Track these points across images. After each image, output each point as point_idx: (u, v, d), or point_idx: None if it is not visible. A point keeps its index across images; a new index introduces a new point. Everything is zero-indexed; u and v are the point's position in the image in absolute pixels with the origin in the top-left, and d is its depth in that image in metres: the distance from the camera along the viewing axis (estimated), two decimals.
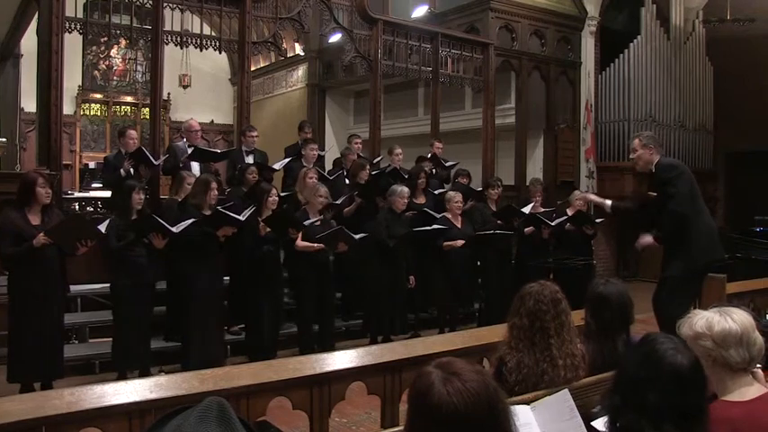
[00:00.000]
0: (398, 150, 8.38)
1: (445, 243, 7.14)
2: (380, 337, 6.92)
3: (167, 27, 7.71)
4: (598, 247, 9.44)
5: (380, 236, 6.83)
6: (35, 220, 5.05)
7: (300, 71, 14.38)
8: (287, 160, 7.76)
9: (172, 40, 7.75)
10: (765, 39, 11.82)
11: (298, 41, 14.10)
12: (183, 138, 7.84)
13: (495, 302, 7.42)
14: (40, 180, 5.06)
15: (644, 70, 11.60)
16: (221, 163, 7.97)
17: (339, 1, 9.08)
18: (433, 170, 8.57)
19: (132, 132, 7.20)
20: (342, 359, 3.38)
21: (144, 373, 5.46)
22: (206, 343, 5.71)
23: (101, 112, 15.12)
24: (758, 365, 2.15)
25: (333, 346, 6.33)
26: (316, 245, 6.21)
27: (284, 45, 10.47)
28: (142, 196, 5.68)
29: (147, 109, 11.84)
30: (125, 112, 15.37)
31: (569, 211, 7.91)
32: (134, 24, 7.57)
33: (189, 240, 5.57)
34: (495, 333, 3.33)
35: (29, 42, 8.82)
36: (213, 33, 8.29)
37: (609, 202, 5.59)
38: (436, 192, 8.12)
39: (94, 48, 15.04)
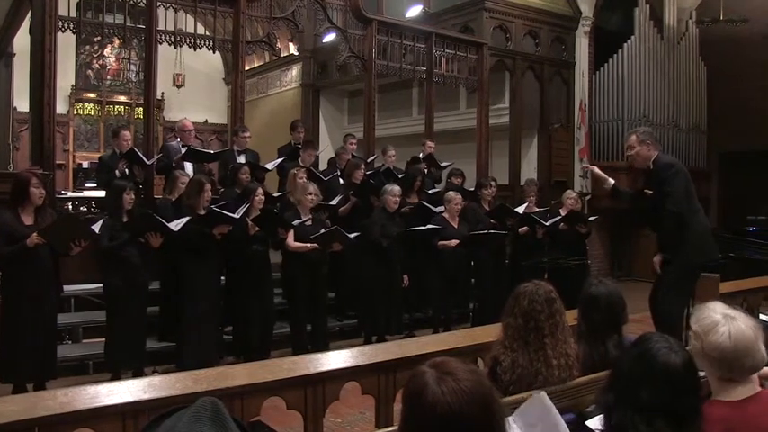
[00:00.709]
0: (392, 152, 8.38)
1: (439, 243, 7.14)
2: (375, 337, 6.92)
3: (161, 26, 7.68)
4: (592, 247, 9.47)
5: (374, 235, 6.83)
6: (28, 219, 5.03)
7: (294, 71, 14.37)
8: (279, 160, 7.75)
9: (166, 39, 7.73)
10: (758, 39, 11.86)
11: (292, 41, 14.08)
12: (176, 137, 7.83)
13: (489, 302, 7.41)
14: (33, 180, 5.04)
15: (638, 70, 11.63)
16: (215, 163, 7.96)
17: (333, 1, 9.07)
18: (426, 170, 8.58)
19: (126, 133, 7.19)
20: (336, 359, 3.38)
21: (138, 374, 5.45)
22: (202, 343, 5.70)
23: (94, 112, 15.08)
24: None
25: (327, 345, 6.33)
26: (310, 245, 6.21)
27: (278, 45, 10.44)
28: (133, 196, 5.67)
29: (141, 108, 11.83)
30: (119, 111, 15.32)
31: (562, 211, 7.93)
32: (128, 24, 7.54)
33: (187, 240, 5.55)
34: (490, 333, 3.34)
35: (21, 41, 8.77)
36: (207, 33, 8.28)
37: (612, 180, 5.53)
38: (430, 192, 8.12)
39: (88, 47, 14.99)
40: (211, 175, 7.33)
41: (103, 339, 5.67)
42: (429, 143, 8.90)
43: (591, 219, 8.03)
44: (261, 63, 15.23)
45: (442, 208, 7.52)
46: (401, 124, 12.65)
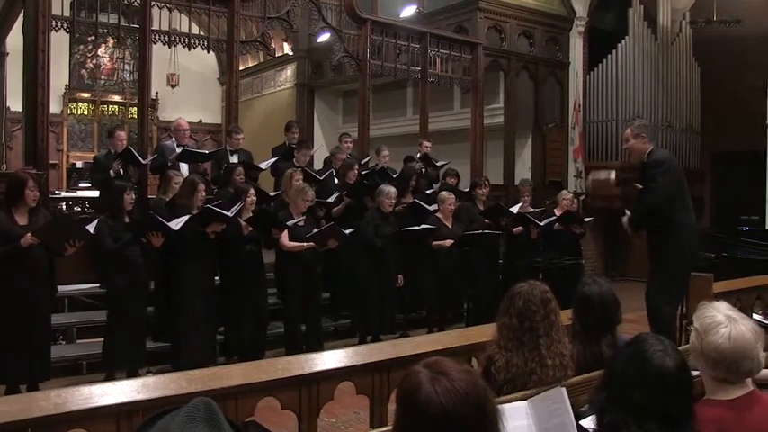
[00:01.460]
0: (386, 152, 8.39)
1: (434, 243, 7.15)
2: (369, 337, 6.92)
3: (155, 26, 7.67)
4: (586, 247, 9.47)
5: (368, 236, 6.83)
6: (22, 220, 5.01)
7: (289, 71, 14.36)
8: (273, 160, 7.73)
9: (160, 39, 7.72)
10: (751, 39, 11.91)
11: (286, 41, 14.08)
12: (171, 137, 7.81)
13: (484, 302, 7.43)
14: (30, 183, 5.02)
15: (632, 70, 11.67)
16: (209, 163, 7.94)
17: (328, 0, 9.07)
18: (424, 170, 8.59)
19: (121, 134, 7.19)
20: (330, 359, 3.38)
21: (132, 374, 5.44)
22: (200, 344, 5.69)
23: (88, 112, 15.03)
24: None
25: (321, 346, 6.33)
26: (306, 244, 6.20)
27: (273, 44, 10.44)
28: (133, 197, 5.68)
29: (135, 108, 11.77)
30: (113, 111, 15.28)
31: (557, 211, 7.94)
32: (122, 23, 7.52)
33: (182, 239, 5.55)
34: (484, 333, 3.34)
35: (15, 40, 8.73)
36: (201, 32, 8.28)
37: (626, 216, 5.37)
38: (428, 192, 8.12)
39: (82, 47, 14.94)
40: (206, 175, 7.32)
41: (98, 340, 5.65)
42: (426, 143, 8.91)
43: (586, 219, 8.05)
44: (255, 63, 15.22)
45: (436, 207, 7.52)
46: (396, 124, 12.66)
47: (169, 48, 8.24)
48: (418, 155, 8.72)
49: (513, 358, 2.69)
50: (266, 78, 15.10)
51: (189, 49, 8.21)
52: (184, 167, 7.18)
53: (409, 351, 3.46)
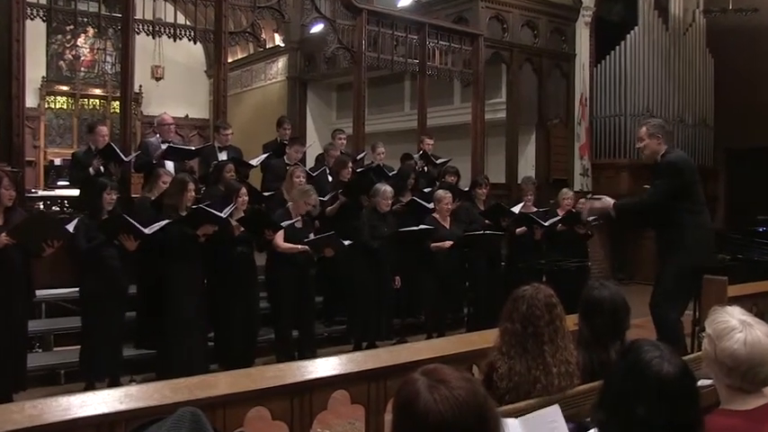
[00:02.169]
0: (381, 149, 8.40)
1: (433, 244, 7.16)
2: (365, 344, 6.93)
3: (138, 15, 7.66)
4: (593, 249, 9.48)
5: (364, 237, 6.84)
6: None
7: (280, 63, 14.36)
8: (264, 156, 7.74)
9: (143, 29, 7.71)
10: None
11: (277, 32, 14.07)
12: (155, 133, 7.80)
13: (485, 306, 7.43)
14: (5, 181, 5.00)
15: (641, 63, 11.69)
16: (196, 160, 7.93)
17: None
18: (424, 168, 8.59)
19: (103, 128, 7.15)
20: (324, 366, 3.38)
21: (114, 383, 5.42)
22: (188, 350, 5.68)
23: (67, 106, 15.00)
24: None
25: (314, 352, 6.33)
26: (300, 246, 6.21)
27: (263, 35, 10.43)
28: (114, 195, 5.64)
29: (118, 102, 11.73)
30: (93, 105, 15.26)
31: (559, 211, 7.94)
32: (102, 12, 7.51)
33: (169, 242, 5.54)
34: (485, 339, 3.34)
35: None
36: (188, 22, 8.28)
37: (609, 200, 5.37)
38: (426, 190, 8.12)
39: (60, 36, 14.90)
40: (193, 173, 7.32)
41: (77, 347, 5.64)
42: (428, 140, 8.90)
43: (590, 219, 8.03)
44: (245, 55, 15.21)
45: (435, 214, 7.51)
46: (392, 119, 12.68)
47: (153, 38, 8.24)
48: (419, 152, 8.72)
49: (516, 366, 2.69)
50: (256, 71, 15.09)
51: (174, 40, 8.20)
52: (170, 166, 7.16)
53: (407, 358, 3.46)
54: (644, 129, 5.20)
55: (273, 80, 14.58)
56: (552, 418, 2.36)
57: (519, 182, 9.55)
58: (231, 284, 6.07)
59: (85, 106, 15.16)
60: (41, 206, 8.81)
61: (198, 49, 14.61)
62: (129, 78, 7.79)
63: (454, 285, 7.49)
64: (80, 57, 15.39)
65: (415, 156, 8.66)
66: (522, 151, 11.41)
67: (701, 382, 2.55)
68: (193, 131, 16.35)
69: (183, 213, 5.75)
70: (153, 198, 6.27)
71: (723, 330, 2.05)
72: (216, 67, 8.58)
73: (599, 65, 11.99)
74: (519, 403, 2.57)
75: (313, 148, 9.90)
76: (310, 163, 8.86)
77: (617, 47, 11.81)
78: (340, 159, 7.78)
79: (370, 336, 6.98)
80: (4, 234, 4.86)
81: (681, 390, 1.84)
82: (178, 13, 8.15)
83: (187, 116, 16.11)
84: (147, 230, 5.40)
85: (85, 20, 7.49)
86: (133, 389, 3.05)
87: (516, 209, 7.76)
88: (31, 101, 11.98)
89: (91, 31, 14.30)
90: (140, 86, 14.52)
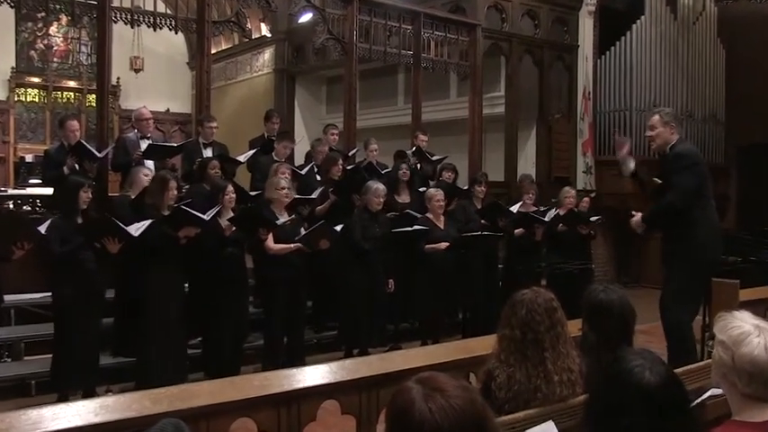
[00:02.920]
0: (374, 145, 8.39)
1: (427, 246, 7.16)
2: (356, 350, 6.92)
3: (116, 2, 7.64)
4: (596, 250, 9.51)
5: (355, 238, 6.83)
6: None
7: (267, 54, 14.34)
8: (252, 152, 7.71)
9: (121, 17, 7.68)
10: None
11: (264, 21, 14.05)
12: (134, 128, 7.77)
13: (482, 311, 7.45)
14: None
15: (648, 54, 11.69)
16: (179, 156, 7.90)
17: None
18: (418, 165, 8.58)
19: (73, 123, 7.11)
20: (313, 375, 3.38)
21: (89, 394, 5.40)
22: (169, 358, 5.67)
23: (39, 99, 14.94)
24: None
25: (303, 360, 6.32)
26: (293, 245, 6.20)
27: (249, 25, 10.40)
28: (90, 195, 5.62)
29: (94, 96, 11.73)
30: (67, 98, 15.21)
31: (560, 211, 7.95)
32: None
33: (147, 243, 5.52)
34: (483, 345, 3.35)
35: None
36: (168, 11, 8.27)
37: (632, 164, 5.53)
38: (421, 189, 8.12)
39: (30, 24, 14.85)
40: (175, 170, 7.29)
41: (49, 356, 5.61)
42: (422, 136, 8.89)
43: (593, 219, 8.06)
44: (229, 45, 15.19)
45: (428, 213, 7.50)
46: (385, 114, 12.68)
47: (132, 28, 8.21)
48: (413, 148, 8.71)
49: (516, 374, 2.70)
50: (241, 63, 15.07)
51: (154, 30, 8.18)
52: (150, 163, 7.12)
53: (400, 365, 3.47)
54: (657, 116, 5.24)
55: (260, 72, 14.56)
56: None
57: (518, 180, 9.57)
58: (220, 287, 6.05)
59: (59, 99, 15.11)
60: (11, 206, 8.76)
61: (179, 39, 14.59)
62: (105, 70, 7.75)
63: (450, 289, 7.49)
64: (52, 46, 15.33)
65: (409, 152, 8.66)
66: (522, 148, 11.43)
67: (710, 392, 2.57)
68: (175, 127, 16.33)
69: (165, 213, 5.74)
70: (132, 197, 6.24)
71: (739, 336, 2.03)
72: (199, 59, 8.55)
73: (603, 56, 11.99)
74: (519, 413, 2.58)
75: (302, 144, 9.88)
76: (299, 160, 8.85)
77: (622, 37, 11.80)
78: (330, 156, 7.77)
79: (361, 342, 6.97)
80: None
81: (666, 399, 1.83)
82: (158, 0, 8.12)
83: (168, 110, 16.09)
84: (134, 232, 5.38)
85: (58, 6, 7.44)
86: (109, 400, 3.05)
87: (515, 208, 7.76)
88: None
89: (64, 18, 14.28)
90: (118, 79, 14.50)
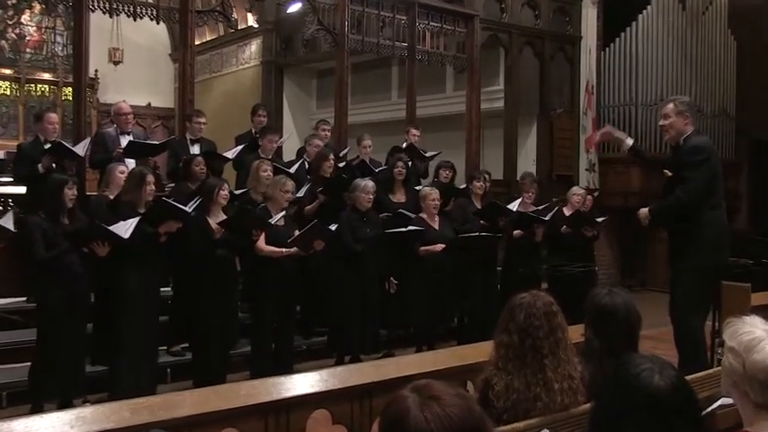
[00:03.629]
0: (367, 142, 8.39)
1: (422, 248, 7.16)
2: (347, 357, 6.92)
3: None
4: (600, 252, 9.53)
5: (345, 239, 6.83)
6: None
7: (254, 46, 14.31)
8: (240, 148, 7.69)
9: (99, 6, 7.65)
10: None
11: (250, 11, 14.03)
12: (113, 123, 7.75)
13: (479, 316, 7.46)
14: None
15: (654, 46, 11.71)
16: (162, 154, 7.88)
17: None
18: (409, 162, 8.58)
19: (52, 116, 7.10)
20: (302, 383, 3.39)
21: (64, 405, 5.37)
22: (141, 366, 5.66)
23: (11, 91, 14.85)
24: None
25: (292, 367, 6.32)
26: (285, 249, 6.19)
27: (234, 15, 10.41)
28: (75, 192, 5.60)
29: (70, 89, 11.67)
30: (42, 91, 15.12)
31: (567, 211, 7.95)
32: None
33: (135, 243, 5.50)
34: (480, 352, 3.36)
35: None
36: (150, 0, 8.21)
37: (630, 140, 5.62)
38: (417, 188, 8.12)
39: (0, 12, 14.77)
40: (157, 168, 7.27)
41: (23, 364, 5.59)
42: (414, 131, 8.89)
43: (599, 220, 8.07)
44: (214, 36, 15.14)
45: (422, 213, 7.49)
46: (378, 109, 12.67)
47: (111, 17, 8.19)
48: (404, 145, 8.71)
49: (515, 382, 2.70)
50: (227, 55, 15.04)
51: (135, 19, 8.14)
52: (132, 161, 7.09)
53: (394, 373, 3.47)
54: (671, 105, 5.22)
55: (246, 65, 14.53)
56: None
57: (518, 178, 9.57)
58: (209, 292, 6.05)
59: (32, 92, 15.01)
60: None
61: (161, 29, 14.54)
62: (82, 62, 7.74)
63: (446, 293, 7.50)
64: (25, 36, 15.22)
65: (400, 148, 8.65)
66: (522, 144, 11.44)
67: (720, 402, 2.57)
68: (157, 122, 16.27)
69: (142, 210, 5.73)
70: (112, 197, 6.22)
71: (751, 342, 2.02)
72: (182, 51, 8.54)
73: (607, 48, 12.00)
74: (518, 423, 2.58)
75: (290, 140, 9.87)
76: (289, 157, 8.84)
77: (627, 28, 11.81)
78: (321, 153, 7.72)
79: (353, 348, 6.96)
80: None
81: (675, 405, 1.82)
82: None
83: (149, 105, 16.04)
84: (125, 235, 5.37)
85: None
86: (87, 410, 3.04)
87: (513, 206, 7.73)
88: None
89: (37, 6, 14.20)
90: (96, 71, 14.41)
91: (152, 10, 8.06)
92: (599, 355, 2.98)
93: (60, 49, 15.35)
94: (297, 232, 6.35)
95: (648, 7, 11.77)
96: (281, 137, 8.88)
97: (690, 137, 5.15)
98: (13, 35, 15.11)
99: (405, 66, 10.55)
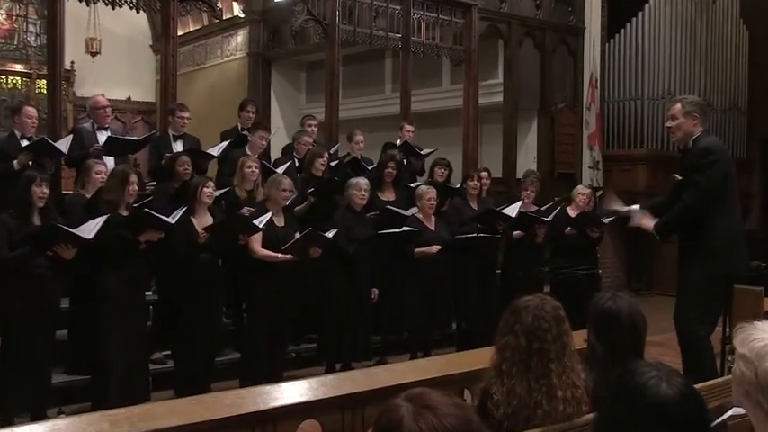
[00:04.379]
0: (359, 137, 8.37)
1: (417, 249, 7.16)
2: (338, 365, 6.93)
3: None
4: (604, 254, 9.54)
5: (338, 240, 6.82)
6: None
7: (240, 37, 14.30)
8: (225, 143, 7.66)
9: None
10: None
11: (236, 0, 14.02)
12: (90, 118, 7.73)
13: (478, 321, 7.46)
14: None
15: (662, 37, 11.73)
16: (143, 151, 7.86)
17: None
18: (404, 160, 8.58)
19: (30, 110, 7.08)
20: (291, 392, 3.39)
21: (38, 417, 5.35)
22: (129, 375, 5.66)
23: None
24: None
25: (280, 375, 6.31)
26: (280, 255, 6.18)
27: (219, 4, 10.39)
28: (46, 190, 5.53)
29: (44, 81, 11.65)
30: (13, 83, 15.07)
31: (571, 211, 7.94)
32: None
33: (102, 246, 5.49)
34: (479, 358, 3.36)
35: None
36: None
37: (635, 207, 5.54)
38: (412, 185, 8.11)
39: None
40: (137, 165, 7.26)
41: None
42: (407, 127, 8.88)
43: (605, 221, 8.07)
44: (198, 27, 15.13)
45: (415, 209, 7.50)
46: (371, 104, 12.68)
47: (87, 5, 8.19)
48: (398, 142, 8.71)
49: (516, 387, 2.69)
50: (211, 46, 15.02)
51: (113, 8, 8.12)
52: (111, 160, 7.07)
53: (387, 381, 3.48)
54: (678, 105, 5.16)
55: (232, 57, 14.51)
56: None
57: (518, 176, 9.59)
58: (192, 294, 6.05)
59: (3, 85, 14.97)
60: None
61: (142, 19, 14.53)
62: (57, 53, 7.72)
63: (442, 297, 7.51)
64: None
65: (395, 146, 8.65)
66: (522, 141, 11.46)
67: (731, 412, 2.57)
68: (137, 116, 16.25)
69: (124, 212, 5.72)
70: (89, 196, 6.20)
71: (762, 349, 1.99)
72: (163, 42, 8.53)
73: (612, 40, 12.02)
74: None
75: (278, 136, 9.86)
76: (275, 153, 8.83)
77: (633, 18, 11.82)
78: (314, 151, 7.69)
79: (344, 355, 6.97)
80: None
81: (683, 415, 1.80)
82: None
83: (129, 98, 16.03)
84: (88, 236, 5.34)
85: None
86: (62, 422, 3.04)
87: (512, 210, 7.67)
88: None
89: None
90: (72, 63, 14.40)
91: None
92: (602, 362, 2.98)
93: (33, 38, 15.31)
94: (297, 234, 6.35)
95: None
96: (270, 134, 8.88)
97: (699, 138, 5.09)
98: None
99: (399, 58, 10.54)
